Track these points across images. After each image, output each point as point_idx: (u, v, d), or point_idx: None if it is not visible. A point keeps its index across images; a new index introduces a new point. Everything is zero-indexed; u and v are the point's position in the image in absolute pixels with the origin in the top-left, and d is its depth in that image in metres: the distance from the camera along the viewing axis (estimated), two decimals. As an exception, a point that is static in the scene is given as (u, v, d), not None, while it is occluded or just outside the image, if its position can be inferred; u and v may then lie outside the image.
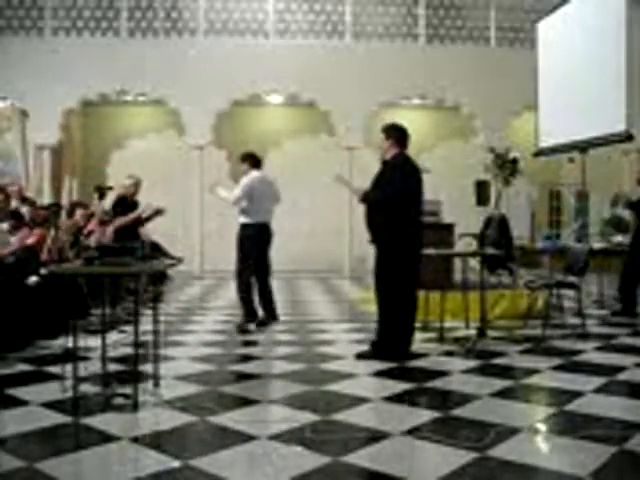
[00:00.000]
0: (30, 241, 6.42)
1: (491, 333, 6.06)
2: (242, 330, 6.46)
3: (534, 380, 4.45)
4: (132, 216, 7.07)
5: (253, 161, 6.83)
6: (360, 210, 5.60)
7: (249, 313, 6.60)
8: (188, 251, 11.27)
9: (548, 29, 9.61)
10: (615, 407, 3.78)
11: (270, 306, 6.73)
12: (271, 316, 6.71)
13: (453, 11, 13.77)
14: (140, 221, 7.33)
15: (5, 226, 6.33)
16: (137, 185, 7.35)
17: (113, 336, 5.74)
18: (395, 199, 5.07)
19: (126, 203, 7.20)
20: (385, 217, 5.12)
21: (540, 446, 3.25)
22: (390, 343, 5.16)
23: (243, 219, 6.66)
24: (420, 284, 6.81)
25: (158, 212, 7.31)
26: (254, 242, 6.58)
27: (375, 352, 5.14)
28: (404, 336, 5.18)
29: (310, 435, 3.27)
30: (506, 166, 9.79)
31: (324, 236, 13.73)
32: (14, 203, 8.48)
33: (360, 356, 5.15)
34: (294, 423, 3.44)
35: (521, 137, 12.84)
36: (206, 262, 12.89)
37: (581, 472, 2.76)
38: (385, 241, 5.18)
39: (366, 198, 5.29)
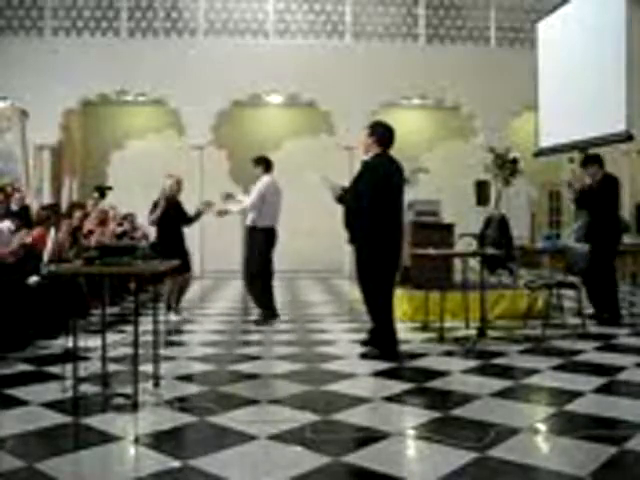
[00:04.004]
0: (29, 240, 6.41)
1: (491, 333, 6.06)
2: (259, 322, 6.83)
3: (534, 380, 4.44)
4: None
5: (266, 165, 6.91)
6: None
7: (273, 314, 6.90)
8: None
9: (548, 29, 9.60)
10: (615, 407, 3.77)
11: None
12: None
13: (453, 11, 13.78)
14: (183, 219, 7.12)
15: (4, 225, 6.31)
16: (179, 184, 7.09)
17: (113, 336, 5.76)
18: (370, 207, 4.99)
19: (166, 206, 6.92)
20: (362, 221, 5.08)
21: (540, 446, 3.24)
22: (386, 342, 5.15)
23: (254, 222, 6.75)
24: (420, 284, 6.87)
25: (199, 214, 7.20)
26: (268, 244, 6.81)
27: (381, 352, 5.12)
28: (391, 335, 5.17)
29: (310, 435, 3.26)
30: (506, 166, 9.79)
31: (324, 236, 13.70)
32: (14, 207, 8.48)
33: (364, 356, 5.15)
34: (294, 423, 3.44)
35: (521, 137, 12.85)
36: (206, 262, 12.89)
37: (581, 472, 2.76)
38: (363, 243, 5.14)
39: (341, 200, 5.27)
